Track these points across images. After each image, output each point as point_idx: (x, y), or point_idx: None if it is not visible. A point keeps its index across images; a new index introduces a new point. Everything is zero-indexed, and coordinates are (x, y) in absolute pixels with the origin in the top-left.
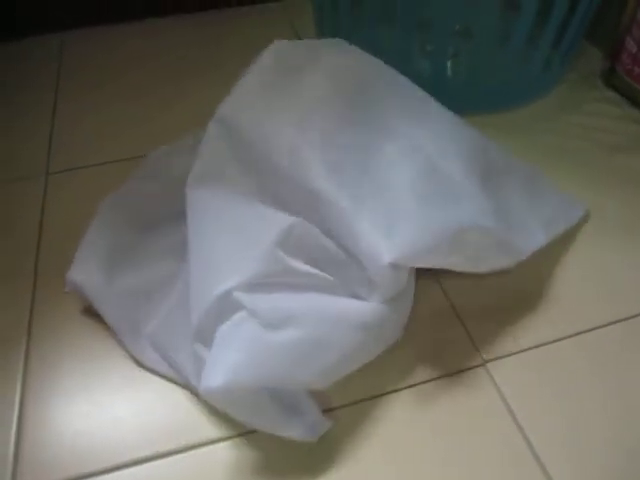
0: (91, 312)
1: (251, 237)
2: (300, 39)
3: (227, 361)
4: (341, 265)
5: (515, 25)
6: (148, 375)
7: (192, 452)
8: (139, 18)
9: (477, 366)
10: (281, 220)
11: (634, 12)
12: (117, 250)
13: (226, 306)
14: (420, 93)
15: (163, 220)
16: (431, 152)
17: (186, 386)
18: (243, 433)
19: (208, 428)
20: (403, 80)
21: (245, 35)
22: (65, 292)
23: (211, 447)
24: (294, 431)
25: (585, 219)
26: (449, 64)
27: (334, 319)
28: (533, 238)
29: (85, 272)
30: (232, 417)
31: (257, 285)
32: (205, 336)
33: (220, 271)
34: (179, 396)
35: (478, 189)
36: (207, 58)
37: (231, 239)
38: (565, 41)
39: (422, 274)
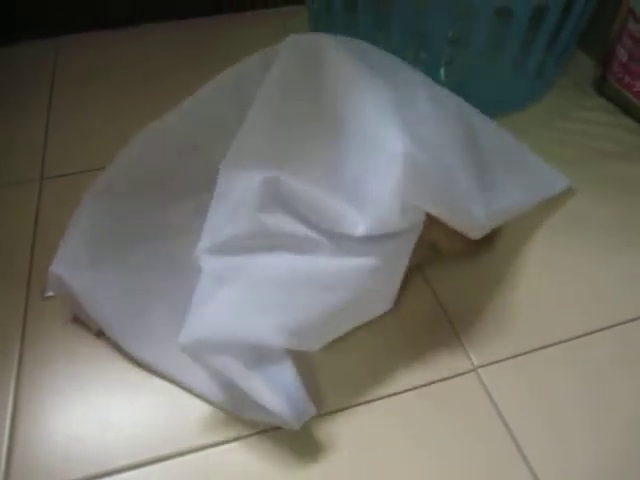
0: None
1: (229, 196)
2: None
3: (194, 319)
4: (326, 211)
5: (508, 32)
6: (144, 377)
7: (188, 457)
8: (134, 24)
9: (468, 372)
10: (257, 175)
11: (625, 21)
12: (101, 241)
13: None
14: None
15: (146, 205)
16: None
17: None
18: (242, 437)
19: (206, 432)
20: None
21: (239, 41)
22: (46, 298)
23: (209, 451)
24: (278, 407)
25: (569, 193)
26: (443, 71)
27: (302, 280)
28: (510, 196)
29: (70, 265)
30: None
31: (228, 247)
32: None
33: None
34: (176, 399)
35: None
36: (203, 63)
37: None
38: (557, 48)
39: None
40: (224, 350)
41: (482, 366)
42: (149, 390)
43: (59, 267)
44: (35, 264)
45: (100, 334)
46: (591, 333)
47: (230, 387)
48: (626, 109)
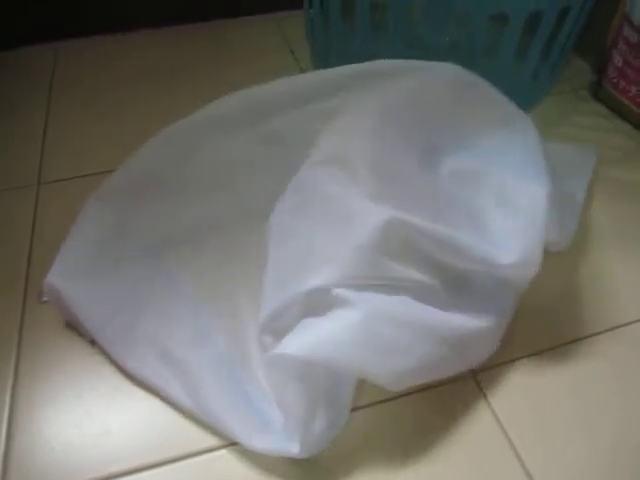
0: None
1: (345, 234)
2: (292, 51)
3: (314, 334)
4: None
5: (503, 37)
6: (140, 383)
7: (185, 462)
8: (132, 29)
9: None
10: (377, 215)
11: (620, 26)
12: (100, 251)
13: (316, 301)
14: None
15: (147, 214)
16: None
17: (176, 395)
18: (236, 442)
19: (201, 438)
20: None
21: (238, 48)
22: (42, 302)
23: (205, 457)
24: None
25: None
26: None
27: (422, 327)
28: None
29: (65, 277)
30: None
31: (352, 284)
32: (275, 327)
33: (308, 266)
34: (171, 407)
35: None
36: (201, 69)
37: (323, 233)
38: (553, 53)
39: None
40: (313, 373)
41: (481, 371)
42: (145, 396)
43: (54, 277)
44: (32, 269)
45: (94, 342)
46: (596, 334)
47: (210, 400)
48: (622, 114)
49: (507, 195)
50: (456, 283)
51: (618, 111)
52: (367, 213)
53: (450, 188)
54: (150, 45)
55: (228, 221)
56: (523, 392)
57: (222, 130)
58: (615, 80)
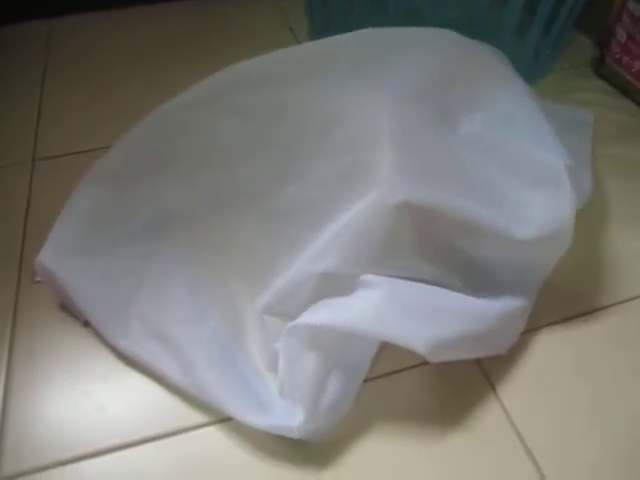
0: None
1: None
2: (292, 30)
3: (338, 307)
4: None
5: (504, 14)
6: (133, 362)
7: (178, 437)
8: (128, 5)
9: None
10: (393, 196)
11: (625, 1)
12: (95, 228)
13: (327, 284)
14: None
15: (144, 190)
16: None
17: (169, 372)
18: (229, 418)
19: (195, 413)
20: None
21: (236, 25)
22: (35, 282)
23: (199, 431)
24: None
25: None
26: None
27: (448, 300)
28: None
29: (57, 256)
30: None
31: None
32: (281, 309)
33: (317, 249)
34: (164, 384)
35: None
36: (197, 46)
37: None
38: (555, 30)
39: None
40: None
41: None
42: (138, 375)
43: (46, 256)
44: (27, 247)
45: (88, 323)
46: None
47: (204, 377)
48: (625, 90)
49: (529, 167)
50: (475, 274)
51: (620, 87)
52: (382, 195)
53: (470, 157)
54: (145, 22)
55: (224, 201)
56: (529, 372)
57: (212, 107)
58: (618, 56)
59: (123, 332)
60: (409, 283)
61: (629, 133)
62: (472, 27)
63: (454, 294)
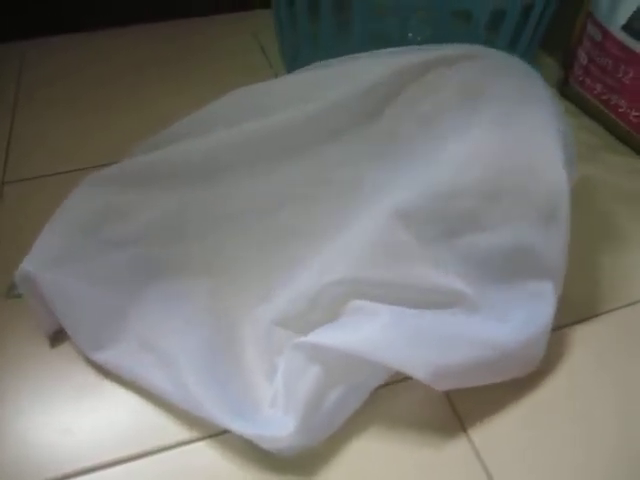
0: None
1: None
2: (263, 50)
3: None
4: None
5: (467, 34)
6: (103, 380)
7: (151, 458)
8: (101, 28)
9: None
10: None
11: (584, 25)
12: (77, 242)
13: (333, 301)
14: None
15: (130, 208)
16: None
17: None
18: (211, 435)
19: (169, 432)
20: None
21: (208, 45)
22: (12, 296)
23: (172, 452)
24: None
25: None
26: None
27: (463, 333)
28: None
29: (42, 264)
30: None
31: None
32: (289, 321)
33: (325, 261)
34: (137, 401)
35: None
36: (168, 67)
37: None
38: (518, 51)
39: None
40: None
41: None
42: (110, 393)
43: (30, 264)
44: None
45: (56, 339)
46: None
47: (192, 385)
48: (588, 111)
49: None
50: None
51: (584, 108)
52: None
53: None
54: (118, 44)
55: (219, 214)
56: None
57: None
58: (581, 78)
59: (111, 343)
60: (414, 311)
61: (593, 153)
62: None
63: (462, 319)
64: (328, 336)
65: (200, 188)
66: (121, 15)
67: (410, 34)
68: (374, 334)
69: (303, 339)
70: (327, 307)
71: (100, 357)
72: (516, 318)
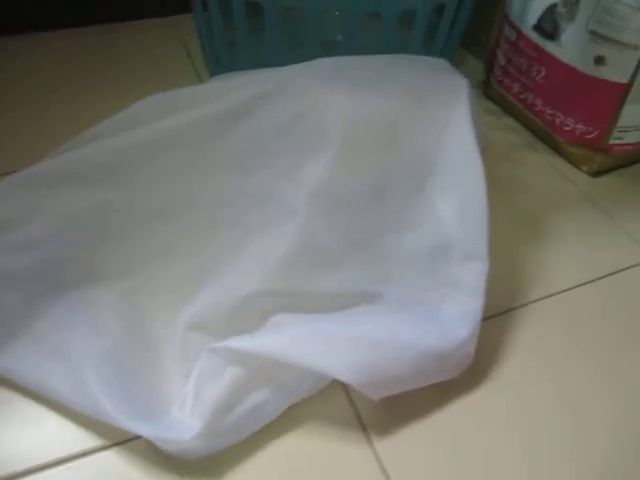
0: None
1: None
2: (190, 55)
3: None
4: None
5: (379, 35)
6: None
7: (59, 467)
8: (27, 31)
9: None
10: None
11: (501, 27)
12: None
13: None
14: None
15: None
16: None
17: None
18: (117, 442)
19: (75, 441)
20: None
21: (136, 51)
22: None
23: (81, 460)
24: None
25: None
26: None
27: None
28: None
29: None
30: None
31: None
32: (208, 326)
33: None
34: (31, 413)
35: None
36: (97, 73)
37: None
38: (433, 52)
39: None
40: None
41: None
42: (5, 407)
43: None
44: None
45: None
46: None
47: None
48: (508, 110)
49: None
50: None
51: (505, 108)
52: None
53: None
54: (46, 47)
55: (134, 212)
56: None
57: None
58: (500, 78)
59: (19, 356)
60: (339, 315)
61: (512, 151)
62: (353, 47)
63: (387, 321)
64: (246, 341)
65: (115, 188)
66: (52, 19)
67: (339, 36)
68: (296, 337)
69: (220, 343)
70: (247, 316)
71: (13, 370)
72: (448, 315)
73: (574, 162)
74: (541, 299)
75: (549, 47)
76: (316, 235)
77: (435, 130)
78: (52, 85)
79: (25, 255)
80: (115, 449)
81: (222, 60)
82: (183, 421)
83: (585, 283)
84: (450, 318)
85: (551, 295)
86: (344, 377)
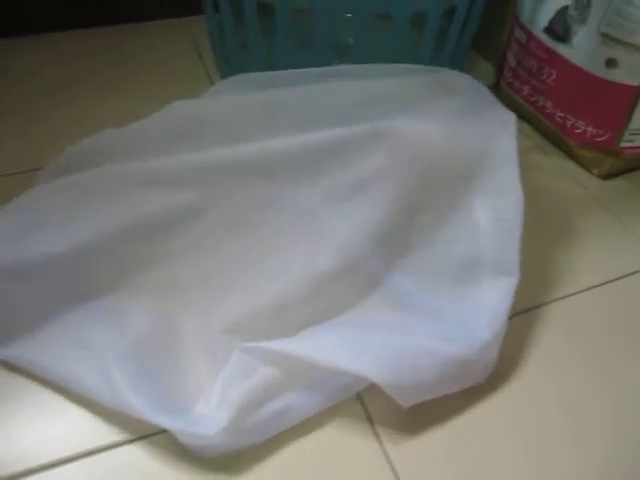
0: None
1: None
2: (201, 57)
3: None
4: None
5: (390, 37)
6: (17, 385)
7: (84, 460)
8: (37, 32)
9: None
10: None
11: (512, 29)
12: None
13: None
14: None
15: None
16: None
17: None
18: (142, 436)
19: (100, 434)
20: None
21: (146, 52)
22: None
23: (105, 454)
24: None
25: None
26: None
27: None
28: None
29: None
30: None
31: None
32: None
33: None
34: (57, 406)
35: None
36: (106, 74)
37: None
38: (444, 54)
39: None
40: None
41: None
42: (29, 400)
43: None
44: None
45: None
46: None
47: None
48: (518, 113)
49: None
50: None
51: (515, 110)
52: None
53: None
54: (54, 48)
55: (157, 223)
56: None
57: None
58: (510, 80)
59: (44, 347)
60: (374, 321)
61: (524, 154)
62: (362, 51)
63: (415, 328)
64: (281, 343)
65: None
66: (60, 20)
67: (351, 39)
68: (330, 341)
69: (254, 343)
70: (282, 323)
71: (9, 353)
72: (475, 323)
73: (585, 165)
74: (551, 302)
75: (560, 49)
76: (354, 247)
77: (482, 156)
78: (58, 86)
79: (55, 255)
80: (138, 443)
81: (233, 61)
82: (209, 416)
83: (595, 286)
84: (476, 325)
85: (561, 298)
86: (375, 378)
